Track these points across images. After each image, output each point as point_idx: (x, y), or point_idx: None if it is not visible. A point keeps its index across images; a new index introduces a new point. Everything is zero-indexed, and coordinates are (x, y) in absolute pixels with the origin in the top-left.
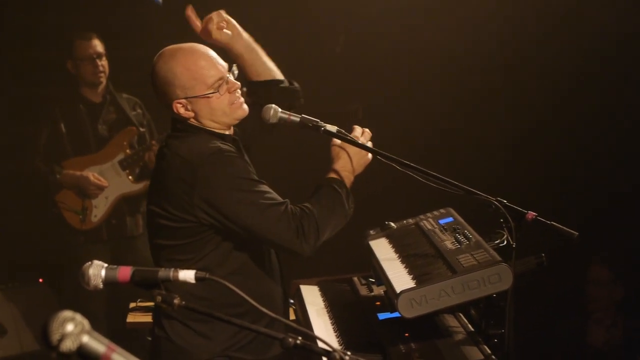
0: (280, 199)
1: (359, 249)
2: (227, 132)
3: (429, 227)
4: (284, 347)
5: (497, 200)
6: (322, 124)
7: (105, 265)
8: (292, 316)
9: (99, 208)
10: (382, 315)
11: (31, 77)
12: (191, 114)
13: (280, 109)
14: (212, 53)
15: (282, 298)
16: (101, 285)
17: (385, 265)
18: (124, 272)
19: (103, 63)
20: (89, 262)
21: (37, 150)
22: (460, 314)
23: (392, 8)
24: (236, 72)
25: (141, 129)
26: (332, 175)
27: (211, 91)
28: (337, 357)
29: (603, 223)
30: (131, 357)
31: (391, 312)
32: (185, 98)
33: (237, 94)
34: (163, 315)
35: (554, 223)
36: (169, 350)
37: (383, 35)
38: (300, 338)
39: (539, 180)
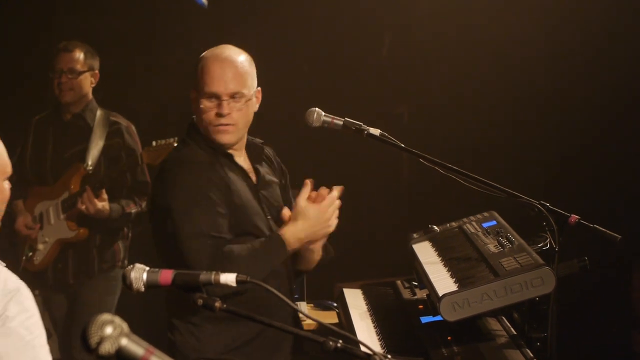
0: (215, 232)
1: (402, 253)
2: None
3: (472, 230)
4: (324, 351)
5: (540, 204)
6: (366, 127)
7: (147, 268)
8: (334, 319)
9: (41, 251)
10: (424, 319)
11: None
12: (194, 109)
13: (323, 113)
14: (234, 70)
15: (287, 293)
16: (143, 289)
17: (428, 268)
18: (166, 276)
19: (72, 79)
20: (131, 266)
21: None
22: (503, 318)
23: (439, 9)
24: (238, 104)
25: (89, 168)
26: (281, 234)
27: (203, 98)
28: None
29: None
30: None
31: (434, 316)
32: (195, 90)
33: (223, 121)
34: (173, 316)
35: (597, 226)
36: (180, 349)
37: (429, 37)
38: (340, 341)
39: (582, 183)
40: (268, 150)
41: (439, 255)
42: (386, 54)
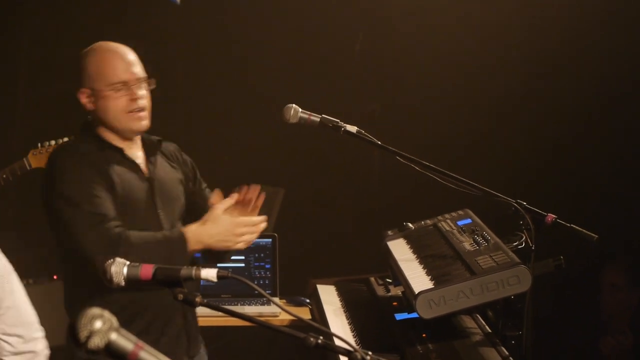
0: (108, 213)
1: (376, 250)
2: (119, 145)
3: (447, 228)
4: (305, 347)
5: (517, 202)
6: (342, 124)
7: (128, 262)
8: (307, 315)
9: None
10: (399, 316)
11: None
12: (92, 107)
13: (300, 109)
14: (132, 57)
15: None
16: (123, 283)
17: (404, 265)
18: (146, 270)
19: None
20: (111, 260)
21: None
22: (478, 315)
23: (414, 7)
24: (151, 86)
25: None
26: (184, 231)
27: (110, 90)
28: (359, 357)
29: (622, 227)
30: (159, 355)
31: (408, 313)
32: (90, 88)
33: (139, 106)
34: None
35: (574, 226)
36: None
37: (402, 34)
38: (321, 338)
39: (559, 182)
40: (169, 146)
41: (414, 252)
42: (359, 50)
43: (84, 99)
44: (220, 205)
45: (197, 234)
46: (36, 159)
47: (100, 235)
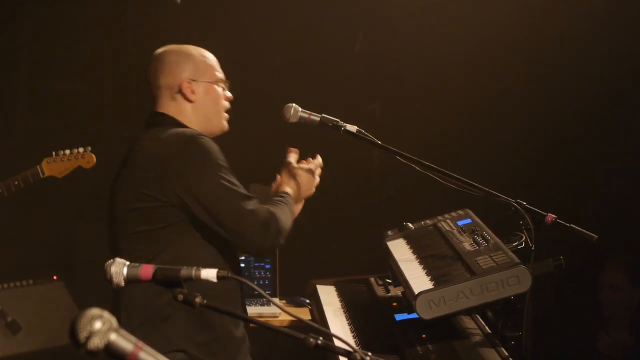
0: (251, 195)
1: (376, 250)
2: None
3: (447, 228)
4: (305, 347)
5: (516, 202)
6: (342, 123)
7: (128, 263)
8: (307, 316)
9: None
10: (399, 316)
11: None
12: (195, 97)
13: (300, 108)
14: None
15: (239, 293)
16: (123, 283)
17: (403, 266)
18: (146, 271)
19: None
20: (111, 260)
21: None
22: (477, 316)
23: (414, 7)
24: None
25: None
26: (288, 191)
27: (218, 84)
28: (358, 357)
29: (622, 227)
30: (158, 356)
31: (408, 313)
32: (195, 80)
33: (229, 107)
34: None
35: (574, 225)
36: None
37: (402, 34)
38: (321, 338)
39: (559, 182)
40: None
41: (414, 252)
42: (359, 50)
43: (187, 89)
44: (292, 160)
45: (293, 189)
46: (50, 167)
47: (256, 215)
